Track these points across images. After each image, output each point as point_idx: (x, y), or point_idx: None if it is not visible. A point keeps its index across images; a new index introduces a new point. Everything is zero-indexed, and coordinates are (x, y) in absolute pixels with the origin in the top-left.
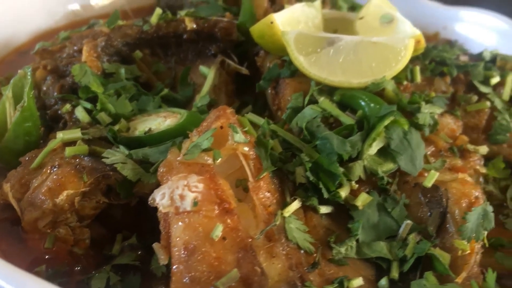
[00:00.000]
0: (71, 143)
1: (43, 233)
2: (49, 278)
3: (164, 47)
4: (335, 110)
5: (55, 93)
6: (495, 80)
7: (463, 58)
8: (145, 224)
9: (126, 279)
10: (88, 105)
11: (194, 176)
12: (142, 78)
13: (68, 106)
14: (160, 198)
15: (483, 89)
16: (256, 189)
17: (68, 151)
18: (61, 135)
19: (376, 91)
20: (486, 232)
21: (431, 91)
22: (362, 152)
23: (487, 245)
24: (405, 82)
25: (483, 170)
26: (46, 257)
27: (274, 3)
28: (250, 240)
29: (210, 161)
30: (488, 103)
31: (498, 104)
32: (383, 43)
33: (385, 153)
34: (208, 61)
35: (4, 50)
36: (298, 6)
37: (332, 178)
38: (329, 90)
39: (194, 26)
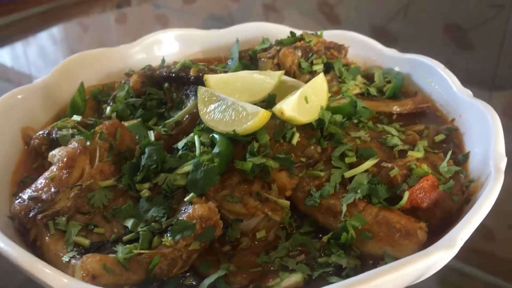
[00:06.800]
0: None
1: None
2: None
3: (181, 83)
4: (197, 141)
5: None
6: (350, 159)
7: (364, 138)
8: None
9: None
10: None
11: (66, 149)
12: (163, 100)
13: (105, 105)
14: (49, 155)
15: (335, 163)
16: (96, 167)
17: (59, 124)
18: (74, 117)
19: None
20: (193, 242)
21: (300, 154)
22: (176, 168)
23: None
24: (282, 141)
25: (276, 218)
26: None
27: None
28: (63, 187)
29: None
30: (322, 174)
31: (334, 178)
32: (243, 107)
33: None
34: None
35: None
36: (245, 72)
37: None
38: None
39: (196, 72)
